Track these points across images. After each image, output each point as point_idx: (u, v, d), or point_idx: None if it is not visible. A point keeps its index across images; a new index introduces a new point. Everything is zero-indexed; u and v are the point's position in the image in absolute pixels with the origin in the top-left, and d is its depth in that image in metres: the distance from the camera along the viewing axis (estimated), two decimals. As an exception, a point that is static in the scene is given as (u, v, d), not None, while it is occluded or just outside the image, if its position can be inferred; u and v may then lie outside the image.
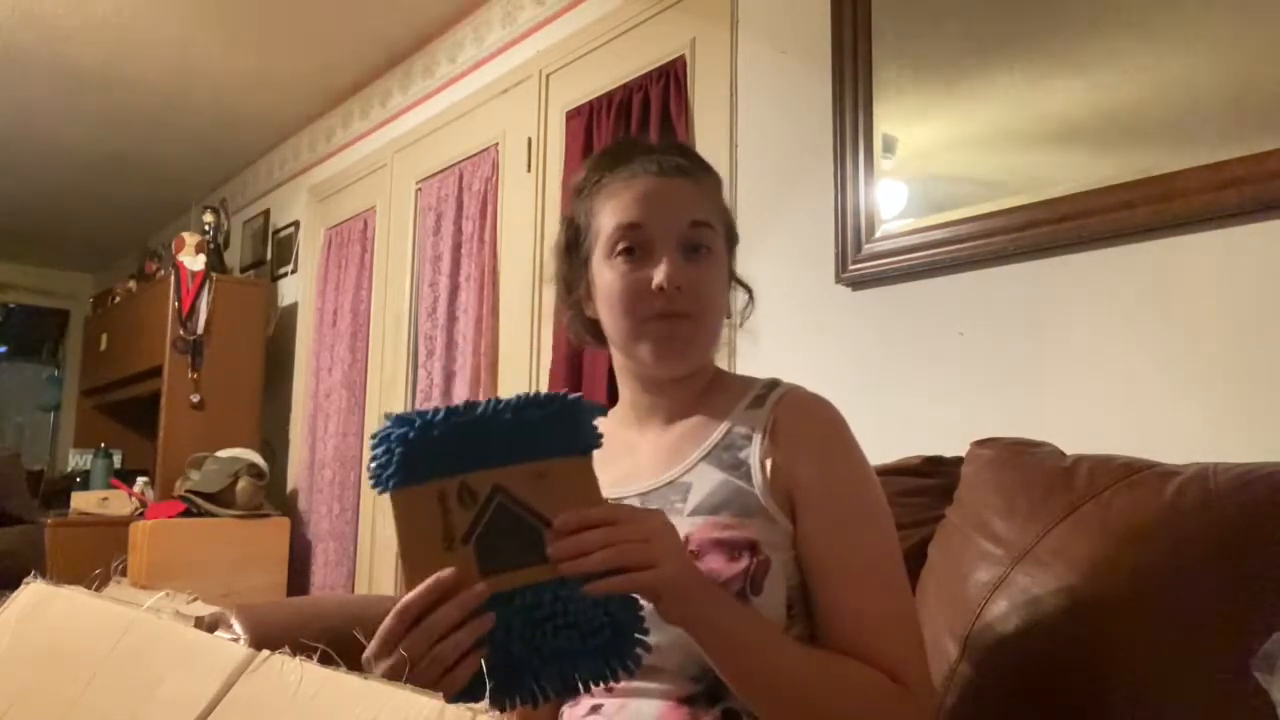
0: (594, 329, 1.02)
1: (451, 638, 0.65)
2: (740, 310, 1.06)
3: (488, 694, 0.65)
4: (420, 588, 0.66)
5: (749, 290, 1.06)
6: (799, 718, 0.80)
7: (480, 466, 0.68)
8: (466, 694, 0.65)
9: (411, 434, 0.67)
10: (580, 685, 0.69)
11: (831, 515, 0.89)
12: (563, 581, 0.67)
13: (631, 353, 0.96)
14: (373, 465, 0.68)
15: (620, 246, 0.93)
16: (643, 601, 0.73)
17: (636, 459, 0.98)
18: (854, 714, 0.80)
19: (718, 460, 0.93)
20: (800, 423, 0.93)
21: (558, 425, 0.71)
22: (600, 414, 0.75)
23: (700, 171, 0.98)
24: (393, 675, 0.65)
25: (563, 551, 0.68)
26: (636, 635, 0.70)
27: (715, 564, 0.85)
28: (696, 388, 1.00)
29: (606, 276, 0.95)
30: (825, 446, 0.92)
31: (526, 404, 0.71)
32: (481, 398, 2.82)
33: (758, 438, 0.92)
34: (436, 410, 0.69)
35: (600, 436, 0.75)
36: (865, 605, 0.86)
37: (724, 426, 0.95)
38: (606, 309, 0.96)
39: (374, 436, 0.69)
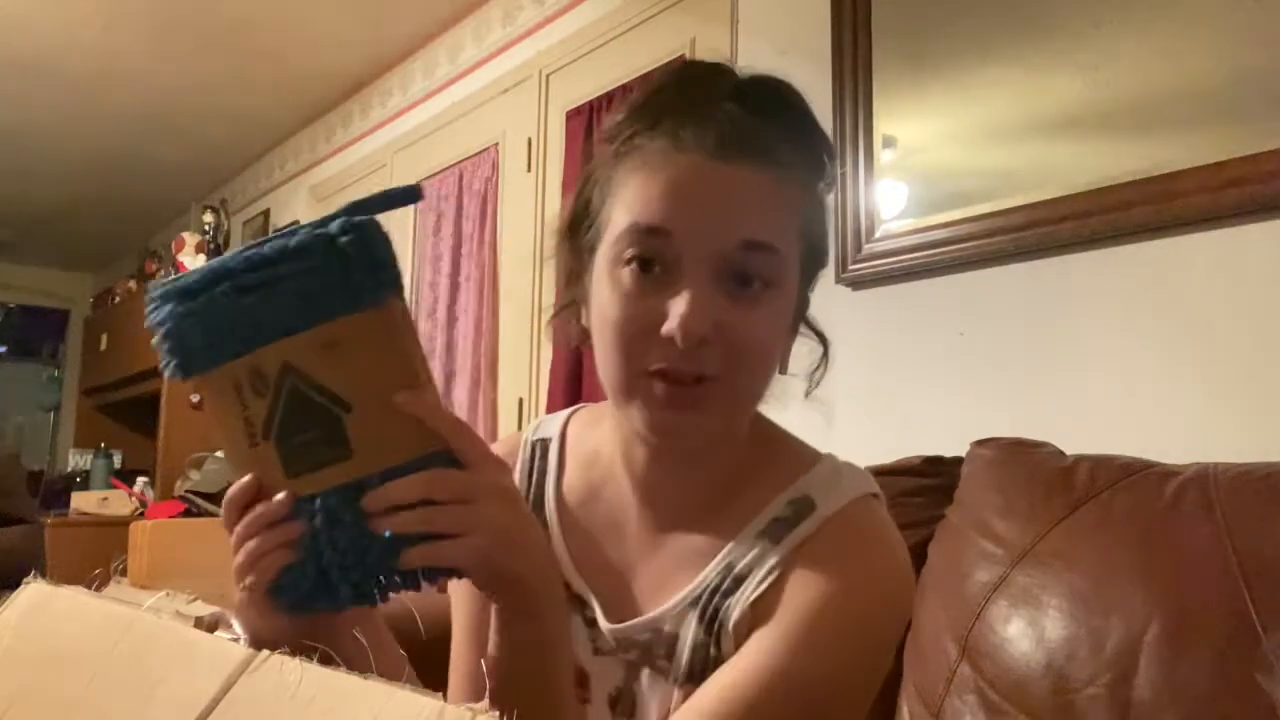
0: (586, 337, 0.72)
1: (254, 542, 0.56)
2: (810, 373, 0.75)
3: (300, 599, 0.56)
4: (228, 494, 0.57)
5: (825, 342, 0.74)
6: None
7: (266, 340, 0.54)
8: (283, 594, 0.57)
9: (181, 310, 0.55)
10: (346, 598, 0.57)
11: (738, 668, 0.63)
12: (361, 485, 0.55)
13: (622, 407, 0.67)
14: (160, 351, 0.56)
15: (630, 254, 0.64)
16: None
17: (622, 551, 0.73)
18: None
19: (703, 609, 0.68)
20: (808, 598, 0.64)
21: (328, 272, 0.54)
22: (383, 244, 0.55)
23: (787, 147, 0.65)
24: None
25: (372, 504, 0.54)
26: (383, 578, 0.56)
27: None
28: (724, 465, 0.71)
29: (604, 294, 0.66)
30: (809, 610, 0.63)
31: (289, 251, 0.54)
32: (482, 398, 2.85)
33: (751, 585, 0.66)
34: (202, 271, 0.55)
35: (396, 272, 0.55)
36: None
37: (722, 560, 0.68)
38: (598, 337, 0.67)
39: (147, 313, 0.57)
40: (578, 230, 0.70)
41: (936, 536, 1.22)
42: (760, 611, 0.65)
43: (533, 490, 0.78)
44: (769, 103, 0.66)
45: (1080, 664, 0.97)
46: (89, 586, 0.65)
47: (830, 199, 0.72)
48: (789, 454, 0.73)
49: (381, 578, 0.56)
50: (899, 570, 0.68)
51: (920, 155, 1.73)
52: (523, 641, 0.59)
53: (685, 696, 0.66)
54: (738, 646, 0.65)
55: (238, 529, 0.57)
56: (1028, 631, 1.03)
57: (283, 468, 0.56)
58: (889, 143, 1.76)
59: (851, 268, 1.77)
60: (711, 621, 0.67)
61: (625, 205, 0.65)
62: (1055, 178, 1.48)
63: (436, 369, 3.08)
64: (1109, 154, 1.42)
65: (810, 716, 0.62)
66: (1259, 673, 0.85)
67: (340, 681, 0.46)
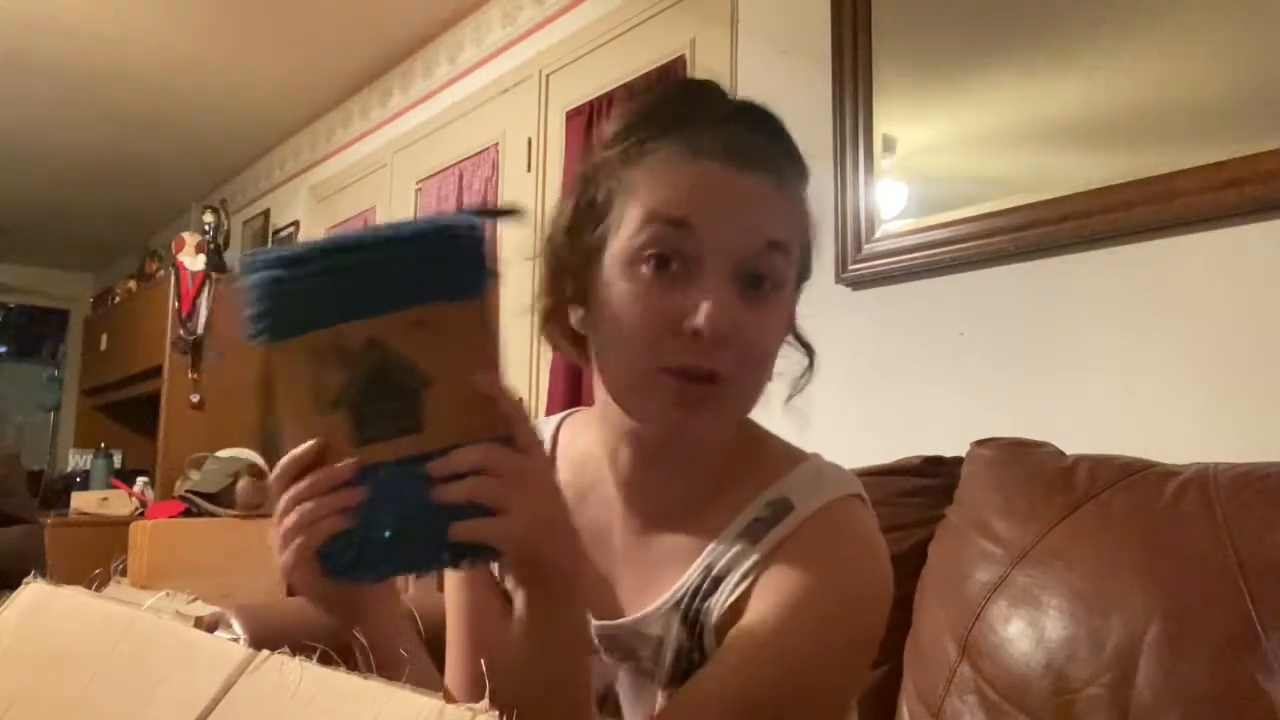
0: (575, 340, 0.73)
1: (311, 504, 0.56)
2: (796, 380, 0.77)
3: (345, 566, 0.57)
4: (290, 455, 0.57)
5: (810, 352, 0.77)
6: None
7: (358, 315, 0.57)
8: (330, 560, 0.58)
9: (284, 277, 0.57)
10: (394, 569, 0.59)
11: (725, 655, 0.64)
12: (425, 459, 0.57)
13: (628, 405, 0.68)
14: (247, 315, 0.58)
15: (650, 250, 0.64)
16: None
17: (607, 551, 0.74)
18: None
19: (685, 610, 0.68)
20: (789, 581, 0.65)
21: (437, 262, 0.57)
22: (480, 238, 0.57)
23: (788, 165, 0.69)
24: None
25: (436, 469, 0.55)
26: (427, 553, 0.58)
27: None
28: (712, 467, 0.72)
29: (620, 290, 0.65)
30: (792, 595, 0.64)
31: (401, 238, 0.58)
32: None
33: (729, 585, 0.67)
34: (310, 245, 0.58)
35: (495, 273, 0.57)
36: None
37: (703, 561, 0.69)
38: (609, 335, 0.67)
39: (243, 276, 0.59)
40: (580, 233, 0.70)
41: (936, 536, 1.23)
42: (737, 613, 0.65)
43: None
44: (763, 122, 0.69)
45: (1080, 664, 0.97)
46: (89, 586, 0.65)
47: (816, 211, 0.74)
48: (772, 455, 0.73)
49: (426, 553, 0.58)
50: (875, 569, 0.68)
51: (920, 155, 1.73)
52: (549, 639, 0.59)
53: (669, 699, 0.66)
54: (716, 635, 0.66)
55: (297, 488, 0.57)
56: (1028, 631, 1.03)
57: (354, 435, 0.58)
58: (889, 143, 1.76)
59: (851, 268, 1.77)
60: (693, 624, 0.67)
61: (643, 202, 0.65)
62: (1055, 178, 1.48)
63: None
64: (1109, 154, 1.42)
65: (784, 713, 0.63)
66: (1259, 673, 0.85)
67: (340, 681, 0.46)
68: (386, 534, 0.57)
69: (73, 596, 0.63)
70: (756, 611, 0.64)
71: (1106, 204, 1.40)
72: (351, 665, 0.49)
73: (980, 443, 1.26)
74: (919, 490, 1.30)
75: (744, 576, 0.66)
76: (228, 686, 0.49)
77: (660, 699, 0.68)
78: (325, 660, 0.47)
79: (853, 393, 1.75)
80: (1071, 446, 1.19)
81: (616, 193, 0.68)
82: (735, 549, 0.68)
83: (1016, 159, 1.58)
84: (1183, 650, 0.92)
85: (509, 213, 0.62)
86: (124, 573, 3.23)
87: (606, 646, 0.71)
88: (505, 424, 0.57)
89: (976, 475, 1.22)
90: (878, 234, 1.74)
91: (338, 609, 0.59)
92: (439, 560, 0.59)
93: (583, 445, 0.78)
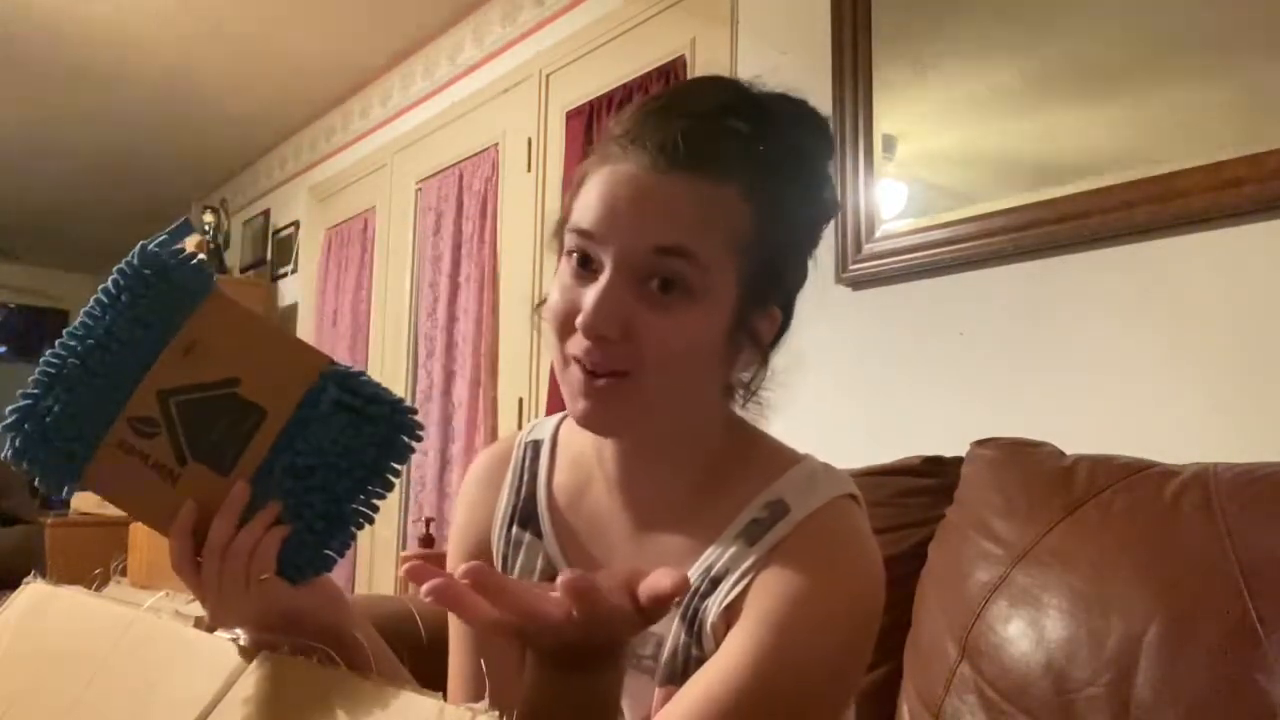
0: None
1: (240, 539, 0.57)
2: (747, 384, 0.75)
3: (310, 560, 0.59)
4: (176, 522, 0.58)
5: (763, 354, 0.73)
6: None
7: (131, 384, 0.57)
8: (294, 568, 0.59)
9: (36, 427, 0.57)
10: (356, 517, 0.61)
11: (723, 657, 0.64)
12: (289, 432, 0.58)
13: (564, 394, 0.70)
14: (43, 477, 0.58)
15: (569, 248, 0.68)
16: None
17: (607, 543, 0.75)
18: None
19: (684, 611, 0.69)
20: (786, 586, 0.65)
21: (158, 292, 0.58)
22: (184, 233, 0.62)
23: (715, 166, 0.66)
24: (212, 619, 0.60)
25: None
26: (366, 506, 0.60)
27: None
28: (692, 464, 0.72)
29: (555, 278, 0.70)
30: (788, 599, 0.65)
31: (111, 300, 0.58)
32: (482, 398, 2.85)
33: (727, 586, 0.67)
34: (35, 376, 0.58)
35: (204, 262, 0.60)
36: None
37: (703, 563, 0.69)
38: (548, 323, 0.70)
39: (7, 452, 0.59)
40: (561, 229, 0.72)
41: (936, 536, 1.22)
42: (734, 613, 0.66)
43: (524, 489, 0.79)
44: (741, 124, 0.68)
45: (1080, 664, 0.97)
46: (89, 586, 0.65)
47: (812, 222, 0.74)
48: (767, 456, 0.73)
49: (361, 508, 0.60)
50: (868, 571, 0.69)
51: (920, 155, 1.73)
52: (561, 693, 0.58)
53: (666, 696, 0.67)
54: (717, 646, 0.66)
55: (210, 546, 0.58)
56: (1028, 631, 1.03)
57: (218, 466, 0.58)
58: (889, 143, 1.76)
59: (851, 268, 1.77)
60: (692, 623, 0.68)
61: (577, 204, 0.69)
62: (1055, 178, 1.48)
63: (436, 369, 3.08)
64: (1109, 154, 1.42)
65: (780, 714, 0.63)
66: (1259, 673, 0.85)
67: (340, 681, 0.46)
68: (321, 509, 0.59)
69: (73, 596, 0.63)
70: (754, 612, 0.65)
71: (1106, 204, 1.40)
72: (351, 665, 0.49)
73: (980, 443, 1.26)
74: (919, 490, 1.30)
75: (742, 576, 0.67)
76: (228, 686, 0.49)
77: (658, 696, 0.69)
78: (325, 660, 0.47)
79: (853, 393, 1.74)
80: (1071, 446, 1.19)
81: (575, 195, 0.70)
82: (733, 550, 0.68)
83: (1017, 158, 1.58)
84: (1183, 650, 0.92)
85: (183, 225, 0.67)
86: (124, 573, 3.23)
87: None
88: (323, 355, 0.60)
89: (976, 475, 1.22)
90: (878, 234, 1.74)
91: (305, 622, 0.59)
92: (372, 511, 0.60)
93: (579, 443, 0.79)
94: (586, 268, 0.67)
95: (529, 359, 2.69)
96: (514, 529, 0.78)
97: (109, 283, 0.59)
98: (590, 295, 0.65)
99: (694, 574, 0.69)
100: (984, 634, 1.06)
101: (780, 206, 0.68)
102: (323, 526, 0.59)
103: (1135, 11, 1.41)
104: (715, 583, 0.68)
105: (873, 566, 0.69)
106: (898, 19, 1.75)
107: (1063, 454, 1.18)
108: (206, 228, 4.30)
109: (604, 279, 0.65)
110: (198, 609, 0.61)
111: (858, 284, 1.79)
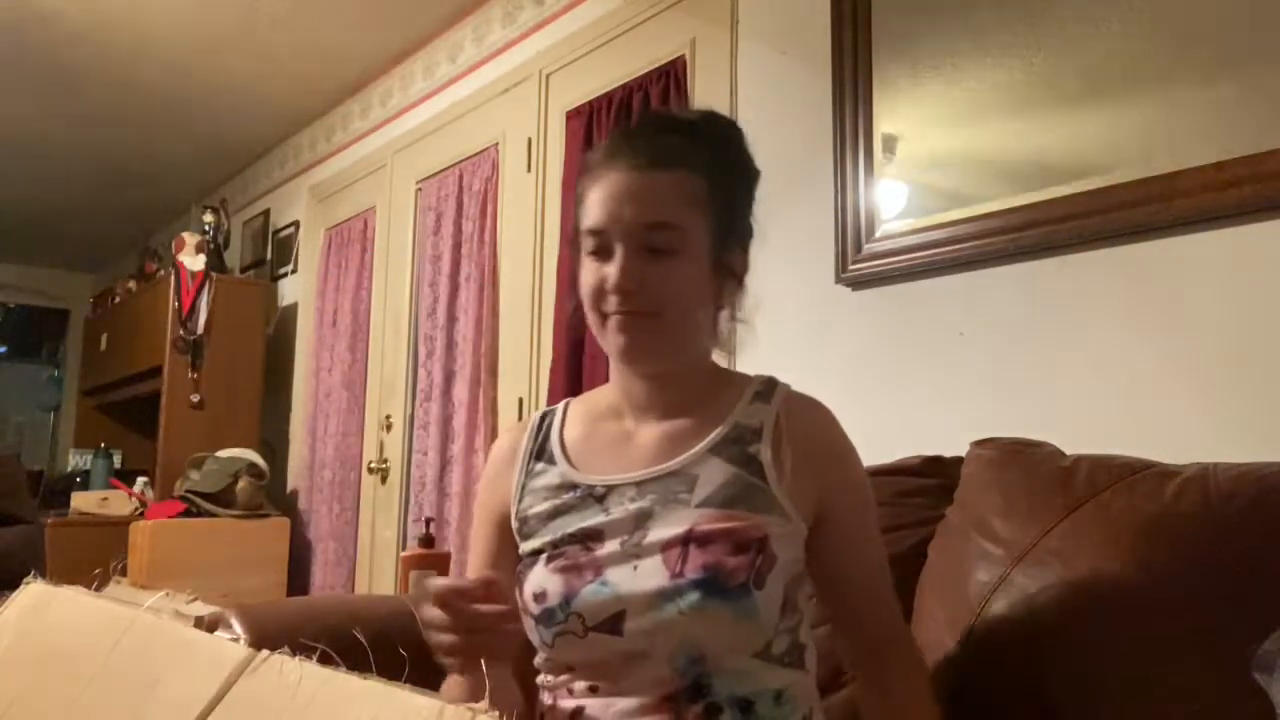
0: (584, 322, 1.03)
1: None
2: (733, 303, 1.02)
3: None
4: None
5: (738, 278, 1.00)
6: None
7: None
8: None
9: None
10: None
11: (861, 531, 0.98)
12: None
13: (603, 346, 0.97)
14: None
15: (588, 248, 0.94)
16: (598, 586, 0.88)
17: (631, 448, 0.97)
18: None
19: (727, 454, 0.93)
20: (813, 427, 0.97)
21: None
22: None
23: (678, 160, 0.94)
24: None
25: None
26: None
27: (719, 554, 0.85)
28: (693, 382, 0.99)
29: (580, 273, 0.96)
30: (844, 460, 0.98)
31: None
32: (482, 398, 2.86)
33: (769, 434, 0.94)
34: None
35: None
36: (889, 595, 0.99)
37: (730, 420, 0.95)
38: (584, 304, 0.97)
39: None
40: (576, 237, 0.99)
41: (936, 536, 1.23)
42: (786, 438, 0.94)
43: (540, 440, 1.03)
44: (657, 131, 0.98)
45: (1080, 664, 0.97)
46: (89, 586, 0.65)
47: (751, 190, 1.01)
48: (742, 375, 1.03)
49: None
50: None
51: (920, 155, 1.73)
52: None
53: (703, 514, 0.88)
54: (777, 467, 0.92)
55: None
56: (1028, 631, 1.03)
57: None
58: (889, 143, 1.76)
59: (851, 268, 1.77)
60: (743, 461, 0.92)
61: (584, 214, 0.96)
62: (1055, 178, 1.48)
63: (436, 369, 3.08)
64: (1109, 155, 1.42)
65: (874, 496, 1.01)
66: (1259, 673, 0.85)
67: (340, 681, 0.46)
68: None
69: (73, 596, 0.63)
70: (838, 495, 0.96)
71: (1106, 204, 1.40)
72: (353, 666, 0.49)
73: (980, 443, 1.26)
74: (919, 490, 1.30)
75: (773, 422, 0.95)
76: (228, 686, 0.49)
77: (696, 514, 0.89)
78: (325, 660, 0.47)
79: (853, 393, 1.74)
80: (1071, 446, 1.19)
81: (579, 211, 0.97)
82: (754, 408, 0.96)
83: (1017, 159, 1.58)
84: (1183, 650, 0.92)
85: None
86: (124, 573, 3.23)
87: (643, 491, 0.92)
88: None
89: (976, 475, 1.22)
90: (878, 234, 1.74)
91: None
92: None
93: (590, 402, 1.06)
94: (603, 255, 0.93)
95: (529, 359, 2.69)
96: (532, 463, 1.01)
97: None
98: (613, 266, 0.91)
99: (726, 429, 0.95)
100: (984, 634, 1.06)
101: (723, 176, 0.96)
102: None
103: (1135, 12, 1.41)
104: (757, 433, 0.94)
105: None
106: (898, 19, 1.75)
107: (1063, 454, 1.18)
108: (206, 228, 4.30)
109: (619, 254, 0.91)
110: (198, 609, 0.61)
111: (858, 284, 1.79)
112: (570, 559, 0.90)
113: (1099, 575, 1.00)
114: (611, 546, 0.90)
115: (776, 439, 0.93)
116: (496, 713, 0.36)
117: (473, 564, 1.05)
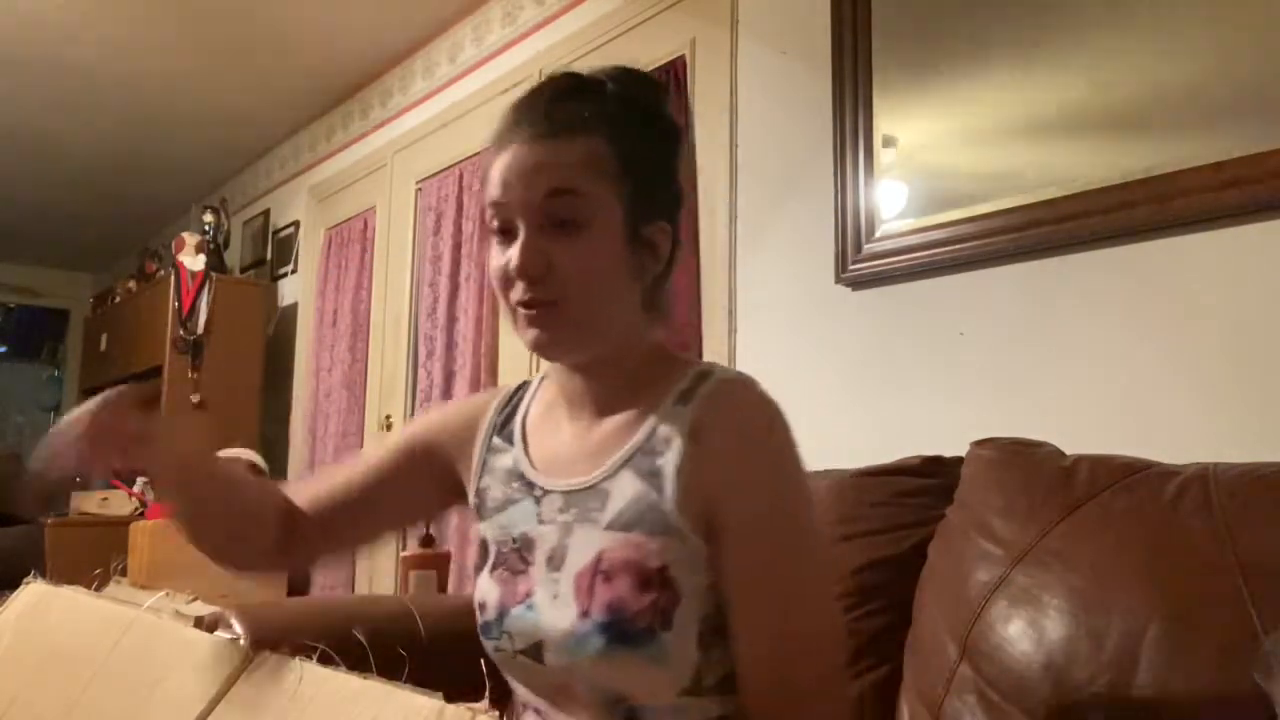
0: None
1: None
2: (663, 258, 0.88)
3: None
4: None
5: (662, 262, 0.87)
6: None
7: None
8: None
9: None
10: None
11: (754, 543, 0.79)
12: None
13: (523, 343, 0.88)
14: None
15: (492, 226, 0.85)
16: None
17: (569, 448, 0.89)
18: None
19: (637, 467, 0.83)
20: (723, 429, 0.81)
21: None
22: None
23: (582, 125, 0.83)
24: None
25: None
26: None
27: (623, 591, 0.78)
28: (625, 371, 0.88)
29: (488, 260, 0.87)
30: (745, 452, 0.81)
31: None
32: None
33: (677, 442, 0.81)
34: None
35: None
36: (799, 632, 0.80)
37: (648, 426, 0.84)
38: (496, 295, 0.88)
39: None
40: (484, 221, 0.89)
41: (936, 536, 1.22)
42: (694, 445, 0.81)
43: (509, 410, 0.98)
44: (552, 97, 0.87)
45: (1080, 664, 0.97)
46: (89, 586, 0.65)
47: (673, 149, 0.91)
48: (683, 361, 0.91)
49: None
50: (777, 408, 0.84)
51: (920, 155, 1.73)
52: None
53: (611, 539, 0.81)
54: (677, 481, 0.80)
55: None
56: (1028, 631, 1.03)
57: None
58: (889, 143, 1.76)
59: (851, 268, 1.77)
60: (649, 474, 0.82)
61: (487, 189, 0.86)
62: (1055, 178, 1.48)
63: (436, 369, 3.08)
64: (1109, 154, 1.42)
65: (804, 514, 0.84)
66: (1259, 673, 0.85)
67: (340, 681, 0.46)
68: None
69: (73, 596, 0.63)
70: (734, 506, 0.80)
71: (1106, 204, 1.40)
72: (353, 666, 0.49)
73: (980, 443, 1.26)
74: (919, 490, 1.30)
75: (683, 430, 0.82)
76: (228, 686, 0.49)
77: (604, 537, 0.81)
78: (325, 660, 0.47)
79: (853, 393, 1.75)
80: (1071, 446, 1.19)
81: (485, 190, 0.88)
82: (672, 412, 0.83)
83: (1017, 158, 1.58)
84: (1182, 650, 0.92)
85: None
86: (124, 573, 3.23)
87: (564, 507, 0.86)
88: None
89: (976, 475, 1.22)
90: (878, 234, 1.74)
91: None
92: None
93: (551, 390, 0.97)
94: (507, 235, 0.83)
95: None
96: (494, 439, 0.95)
97: None
98: (515, 249, 0.81)
99: (640, 438, 0.84)
100: (984, 634, 1.06)
101: (634, 141, 0.85)
102: None
103: (1135, 11, 1.41)
104: (667, 440, 0.82)
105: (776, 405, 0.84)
106: (898, 19, 1.75)
107: (1063, 454, 1.18)
108: (206, 228, 4.30)
109: (522, 234, 0.82)
110: (198, 609, 0.61)
111: (857, 284, 1.79)
112: (510, 568, 0.87)
113: (1099, 575, 1.00)
114: (540, 562, 0.85)
115: (686, 445, 0.81)
116: (496, 713, 0.36)
117: (356, 464, 0.99)
